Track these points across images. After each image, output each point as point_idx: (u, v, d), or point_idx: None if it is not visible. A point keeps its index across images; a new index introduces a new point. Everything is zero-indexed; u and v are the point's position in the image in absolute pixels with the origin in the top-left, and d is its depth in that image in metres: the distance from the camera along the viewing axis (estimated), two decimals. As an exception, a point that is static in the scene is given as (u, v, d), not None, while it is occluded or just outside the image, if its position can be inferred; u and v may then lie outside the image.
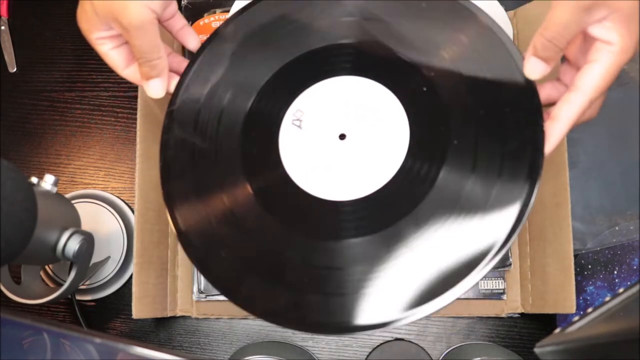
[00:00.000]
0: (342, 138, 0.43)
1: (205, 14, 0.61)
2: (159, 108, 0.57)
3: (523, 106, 0.39)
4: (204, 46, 0.48)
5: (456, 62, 0.42)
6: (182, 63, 0.48)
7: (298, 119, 0.44)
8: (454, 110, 0.41)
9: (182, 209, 0.44)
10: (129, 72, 0.45)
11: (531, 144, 0.38)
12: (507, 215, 0.37)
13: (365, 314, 0.38)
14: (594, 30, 0.37)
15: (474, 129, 0.40)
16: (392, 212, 0.40)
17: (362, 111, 0.44)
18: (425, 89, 0.42)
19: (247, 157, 0.45)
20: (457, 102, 0.41)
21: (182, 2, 0.61)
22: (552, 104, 0.41)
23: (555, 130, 0.38)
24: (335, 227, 0.41)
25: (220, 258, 0.42)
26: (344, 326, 0.38)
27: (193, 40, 0.48)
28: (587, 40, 0.38)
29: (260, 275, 0.41)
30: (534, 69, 0.39)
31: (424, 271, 0.37)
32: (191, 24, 0.61)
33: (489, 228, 0.37)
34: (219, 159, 0.45)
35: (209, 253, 0.42)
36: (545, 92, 0.42)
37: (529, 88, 0.40)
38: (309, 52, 0.46)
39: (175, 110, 0.46)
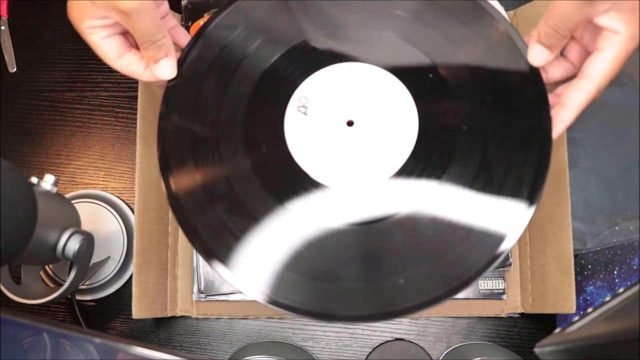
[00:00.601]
0: (350, 125, 0.43)
1: (205, 14, 0.61)
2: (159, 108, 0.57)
3: (528, 94, 0.40)
4: (203, 28, 0.46)
5: (460, 49, 0.42)
6: (184, 38, 0.46)
7: (303, 106, 0.44)
8: (461, 97, 0.41)
9: (187, 199, 0.43)
10: (122, 62, 0.43)
11: (539, 131, 0.39)
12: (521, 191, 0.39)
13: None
14: (601, 20, 0.37)
15: (481, 115, 0.41)
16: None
17: (368, 97, 0.43)
18: (431, 75, 0.42)
19: (252, 144, 0.43)
20: (463, 88, 0.42)
21: (182, 2, 0.61)
22: (557, 82, 0.42)
23: (564, 116, 0.39)
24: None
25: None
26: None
27: (185, 39, 0.47)
28: (596, 25, 0.39)
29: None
30: (538, 55, 0.40)
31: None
32: (191, 24, 0.61)
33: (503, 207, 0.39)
34: (221, 147, 0.43)
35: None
36: (550, 70, 0.42)
37: (534, 76, 0.40)
38: (308, 40, 0.45)
39: (172, 88, 0.44)
